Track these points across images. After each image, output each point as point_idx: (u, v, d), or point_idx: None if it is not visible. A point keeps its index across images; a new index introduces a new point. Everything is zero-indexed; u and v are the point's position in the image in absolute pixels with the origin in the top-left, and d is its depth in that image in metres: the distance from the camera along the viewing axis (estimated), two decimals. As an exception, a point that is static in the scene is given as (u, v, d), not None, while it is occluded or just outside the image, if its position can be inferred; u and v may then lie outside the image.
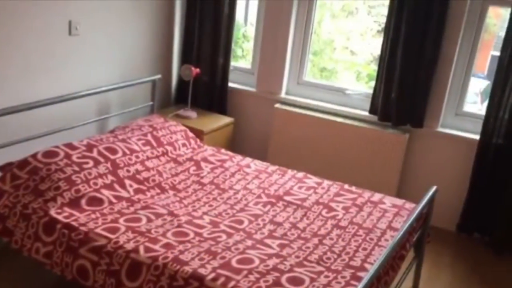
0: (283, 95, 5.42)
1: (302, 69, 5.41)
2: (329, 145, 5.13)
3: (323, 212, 3.66)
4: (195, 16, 5.38)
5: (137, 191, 3.64)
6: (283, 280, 2.77)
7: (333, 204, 3.78)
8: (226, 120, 5.34)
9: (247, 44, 6.02)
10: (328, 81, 5.62)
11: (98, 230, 3.06)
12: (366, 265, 3.01)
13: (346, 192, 3.99)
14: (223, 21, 5.29)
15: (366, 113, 5.06)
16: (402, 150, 4.87)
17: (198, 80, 5.34)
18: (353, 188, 4.07)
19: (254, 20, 5.54)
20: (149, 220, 3.28)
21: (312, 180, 4.14)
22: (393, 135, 4.87)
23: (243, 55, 6.09)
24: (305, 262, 3.00)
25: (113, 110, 4.86)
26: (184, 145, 4.38)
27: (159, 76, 5.01)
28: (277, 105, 5.30)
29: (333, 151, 5.12)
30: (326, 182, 4.11)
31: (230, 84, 5.53)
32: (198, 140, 4.59)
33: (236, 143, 5.56)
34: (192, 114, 5.24)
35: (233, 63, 5.60)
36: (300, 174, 4.22)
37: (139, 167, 3.86)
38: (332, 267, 2.97)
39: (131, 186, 3.66)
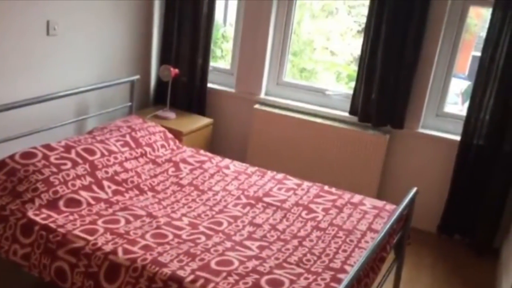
0: (262, 95, 5.48)
1: (282, 70, 5.47)
2: (309, 146, 5.19)
3: (303, 214, 3.71)
4: (174, 16, 5.41)
5: (115, 192, 3.67)
6: (263, 282, 2.81)
7: (313, 206, 3.83)
8: (205, 121, 5.39)
9: (226, 45, 6.07)
10: (308, 81, 5.69)
11: (76, 232, 3.08)
12: (346, 267, 3.05)
13: (326, 193, 4.04)
14: (202, 21, 5.33)
15: (346, 114, 5.13)
16: (383, 151, 4.94)
17: (177, 80, 5.39)
18: (333, 190, 4.11)
19: (233, 20, 5.59)
20: (128, 221, 3.31)
21: (291, 182, 4.18)
22: (373, 136, 4.95)
23: (222, 55, 6.14)
24: (285, 264, 3.04)
25: (92, 110, 4.87)
26: (163, 146, 4.42)
27: (137, 76, 5.04)
28: (257, 106, 5.37)
29: (313, 152, 5.19)
30: (306, 184, 4.16)
31: (209, 85, 5.57)
32: (177, 141, 4.63)
33: (215, 144, 5.60)
34: (171, 115, 5.28)
35: (212, 64, 5.64)
36: (280, 175, 4.27)
37: (117, 168, 3.89)
38: (312, 269, 3.01)
39: (109, 187, 3.69)
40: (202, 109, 5.55)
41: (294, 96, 5.44)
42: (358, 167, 5.05)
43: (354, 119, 5.07)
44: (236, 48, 5.54)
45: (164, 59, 5.57)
